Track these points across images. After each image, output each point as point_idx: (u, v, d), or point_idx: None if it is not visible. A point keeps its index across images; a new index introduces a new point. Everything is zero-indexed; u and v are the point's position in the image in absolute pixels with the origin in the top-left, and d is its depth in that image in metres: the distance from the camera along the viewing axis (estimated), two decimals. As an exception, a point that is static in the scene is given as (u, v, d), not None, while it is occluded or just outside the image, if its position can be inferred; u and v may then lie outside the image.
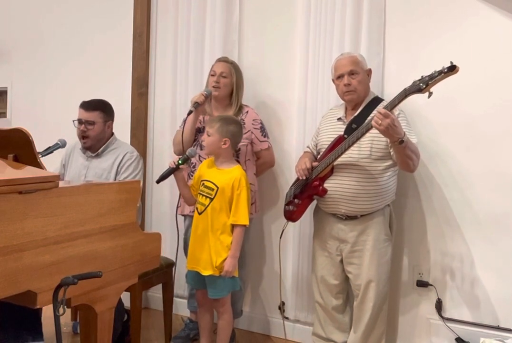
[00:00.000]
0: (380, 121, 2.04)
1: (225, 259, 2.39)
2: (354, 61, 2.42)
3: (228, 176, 2.44)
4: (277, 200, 3.00)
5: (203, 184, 2.49)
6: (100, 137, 2.75)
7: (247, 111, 2.77)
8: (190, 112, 2.69)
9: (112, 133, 2.84)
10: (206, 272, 2.42)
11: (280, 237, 2.67)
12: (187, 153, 2.50)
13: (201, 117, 2.81)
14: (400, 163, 2.31)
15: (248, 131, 2.73)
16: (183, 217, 2.89)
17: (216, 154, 2.50)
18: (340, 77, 2.43)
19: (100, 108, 2.74)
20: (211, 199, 2.43)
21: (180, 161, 2.46)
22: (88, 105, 2.73)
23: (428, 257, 2.63)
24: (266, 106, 3.04)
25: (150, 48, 3.43)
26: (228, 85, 2.74)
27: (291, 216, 2.55)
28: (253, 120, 2.76)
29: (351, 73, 2.40)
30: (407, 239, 2.67)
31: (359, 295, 2.43)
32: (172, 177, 2.53)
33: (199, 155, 2.74)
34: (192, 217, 2.67)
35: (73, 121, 2.75)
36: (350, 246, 2.43)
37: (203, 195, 2.47)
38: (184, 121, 2.78)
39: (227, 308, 2.54)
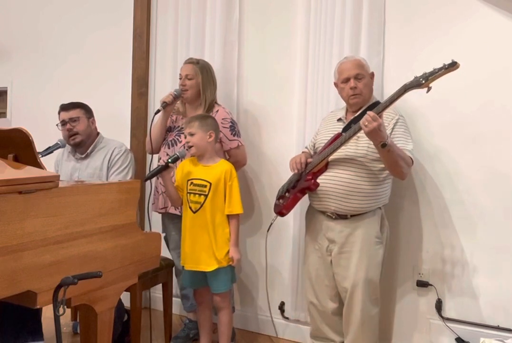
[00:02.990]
0: (366, 123, 2.07)
1: (228, 251, 2.45)
2: (359, 65, 2.42)
3: (217, 170, 2.49)
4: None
5: (192, 182, 2.50)
6: (88, 132, 2.78)
7: (217, 111, 2.77)
8: (157, 112, 2.81)
9: (98, 133, 2.87)
10: (210, 268, 2.44)
11: (268, 230, 2.67)
12: (177, 153, 2.53)
13: (174, 117, 2.87)
14: (388, 169, 2.29)
15: None
16: (160, 215, 2.89)
17: (202, 153, 2.51)
18: (345, 80, 2.41)
19: (80, 106, 2.81)
20: (206, 196, 2.45)
21: (170, 160, 2.48)
22: (67, 106, 2.80)
23: (428, 257, 2.63)
24: (265, 107, 3.03)
25: (150, 48, 3.44)
26: (193, 86, 2.77)
27: (281, 210, 2.50)
28: (223, 119, 2.74)
29: (357, 77, 2.39)
30: (407, 239, 2.67)
31: (346, 298, 2.37)
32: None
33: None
34: (173, 215, 2.70)
35: (56, 125, 2.77)
36: (338, 246, 2.39)
37: (195, 193, 2.48)
38: (152, 120, 2.83)
39: (228, 304, 2.57)
